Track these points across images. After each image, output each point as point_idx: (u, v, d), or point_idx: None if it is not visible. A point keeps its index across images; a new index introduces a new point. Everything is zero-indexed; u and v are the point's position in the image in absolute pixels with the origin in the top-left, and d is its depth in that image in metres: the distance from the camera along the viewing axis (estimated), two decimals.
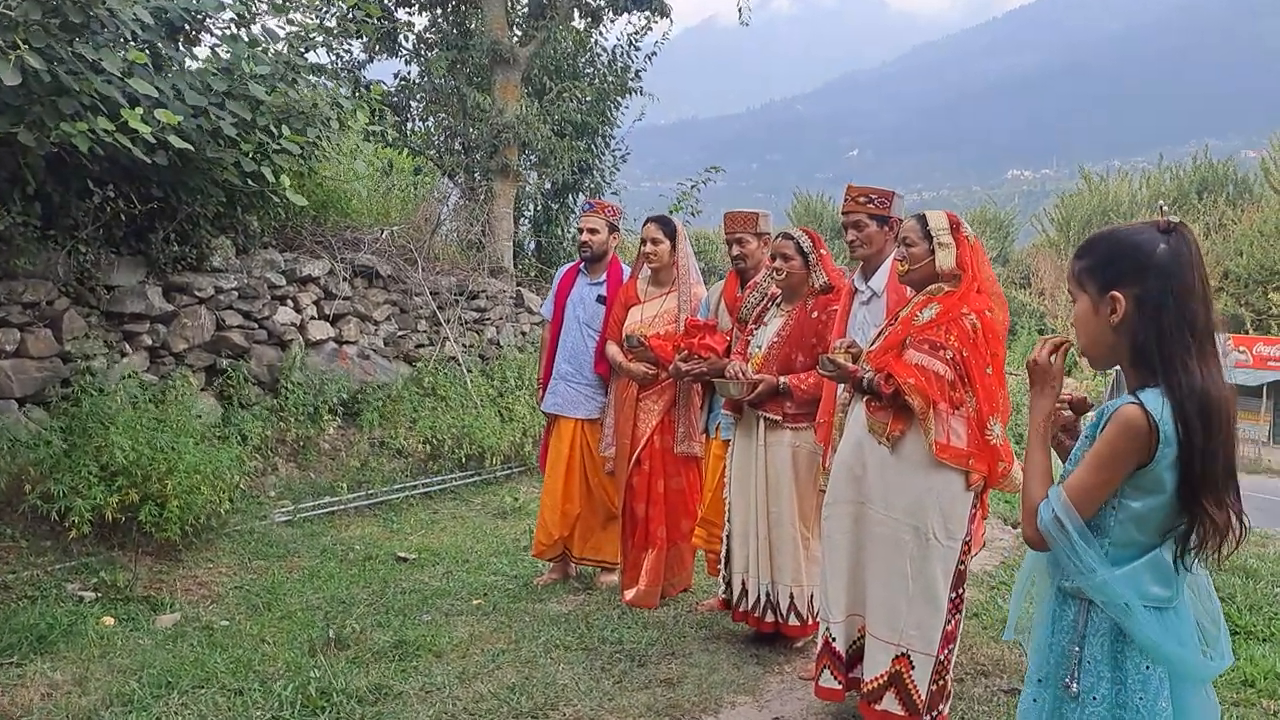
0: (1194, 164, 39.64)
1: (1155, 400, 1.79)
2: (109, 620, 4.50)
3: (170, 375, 6.40)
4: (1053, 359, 1.94)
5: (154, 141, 5.07)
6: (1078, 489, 1.84)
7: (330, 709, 3.56)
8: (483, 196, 11.41)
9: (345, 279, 8.16)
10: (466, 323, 9.78)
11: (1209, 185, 37.48)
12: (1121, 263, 1.84)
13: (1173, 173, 40.47)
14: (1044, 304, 32.45)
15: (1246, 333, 29.69)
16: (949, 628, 3.40)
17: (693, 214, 13.23)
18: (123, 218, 5.99)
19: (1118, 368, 1.95)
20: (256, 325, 7.23)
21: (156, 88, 5.06)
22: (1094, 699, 1.87)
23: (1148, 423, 1.78)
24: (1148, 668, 1.83)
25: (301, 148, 6.28)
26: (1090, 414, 2.00)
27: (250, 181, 6.16)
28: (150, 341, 6.42)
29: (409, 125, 13.00)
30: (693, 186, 12.89)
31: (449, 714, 3.60)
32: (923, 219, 3.46)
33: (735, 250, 4.77)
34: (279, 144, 6.09)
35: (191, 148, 5.36)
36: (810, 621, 4.27)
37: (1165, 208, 1.87)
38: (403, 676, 3.94)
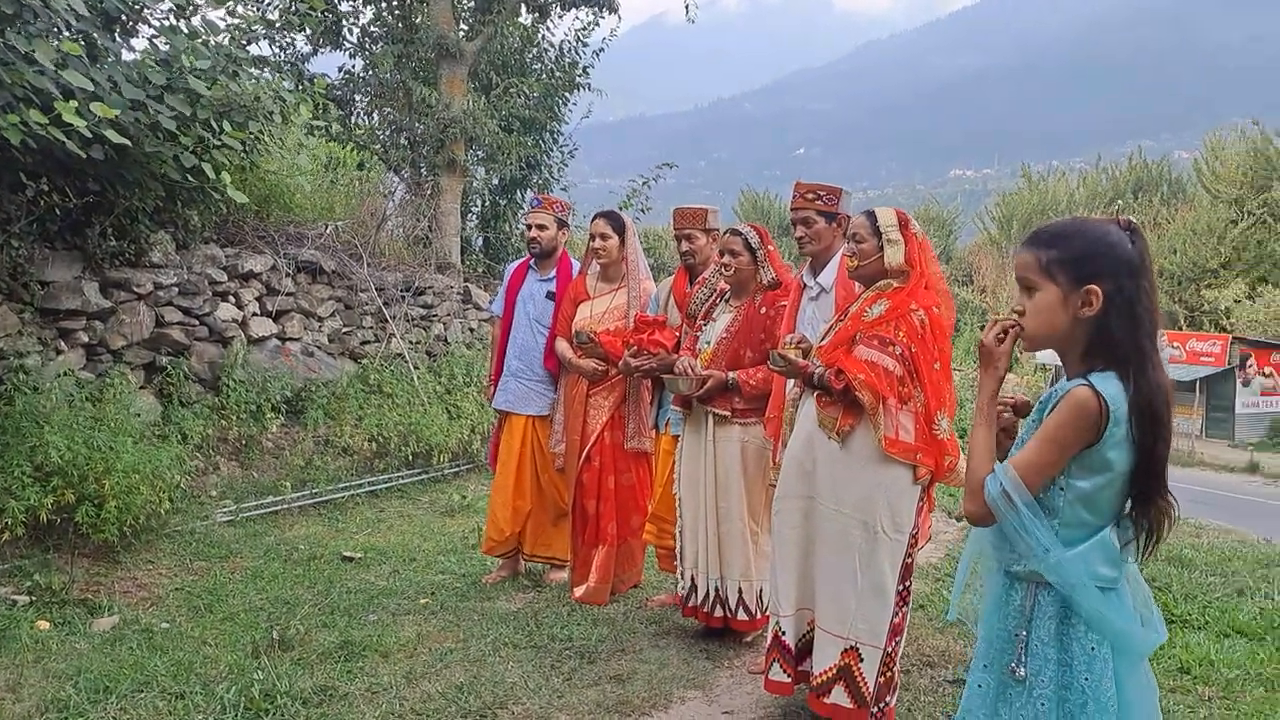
0: (1130, 164, 40.60)
1: (1105, 383, 1.85)
2: (44, 624, 4.38)
3: (108, 373, 6.25)
4: (1001, 341, 1.97)
5: (89, 135, 4.94)
6: (1025, 465, 1.88)
7: (274, 711, 3.50)
8: (429, 192, 11.32)
9: (288, 275, 8.04)
10: (413, 319, 9.68)
11: (1144, 185, 38.42)
12: (1099, 258, 1.89)
13: (1109, 173, 41.39)
14: (986, 300, 33.01)
15: (1180, 329, 30.49)
16: (896, 620, 3.43)
17: (643, 210, 13.26)
18: (57, 212, 5.83)
19: (1057, 364, 2.00)
20: (197, 322, 7.09)
21: (92, 80, 4.93)
22: (1041, 681, 1.90)
23: (1099, 403, 1.83)
24: (1093, 649, 1.87)
25: (243, 143, 6.17)
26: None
27: (190, 177, 6.03)
28: (87, 339, 6.26)
29: (354, 119, 12.85)
30: (643, 183, 12.91)
31: (396, 714, 3.55)
32: (872, 215, 3.49)
33: (684, 246, 4.77)
34: (219, 139, 5.97)
35: (129, 142, 5.23)
36: (759, 616, 4.29)
37: (1120, 206, 1.92)
38: (348, 677, 3.88)
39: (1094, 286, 1.87)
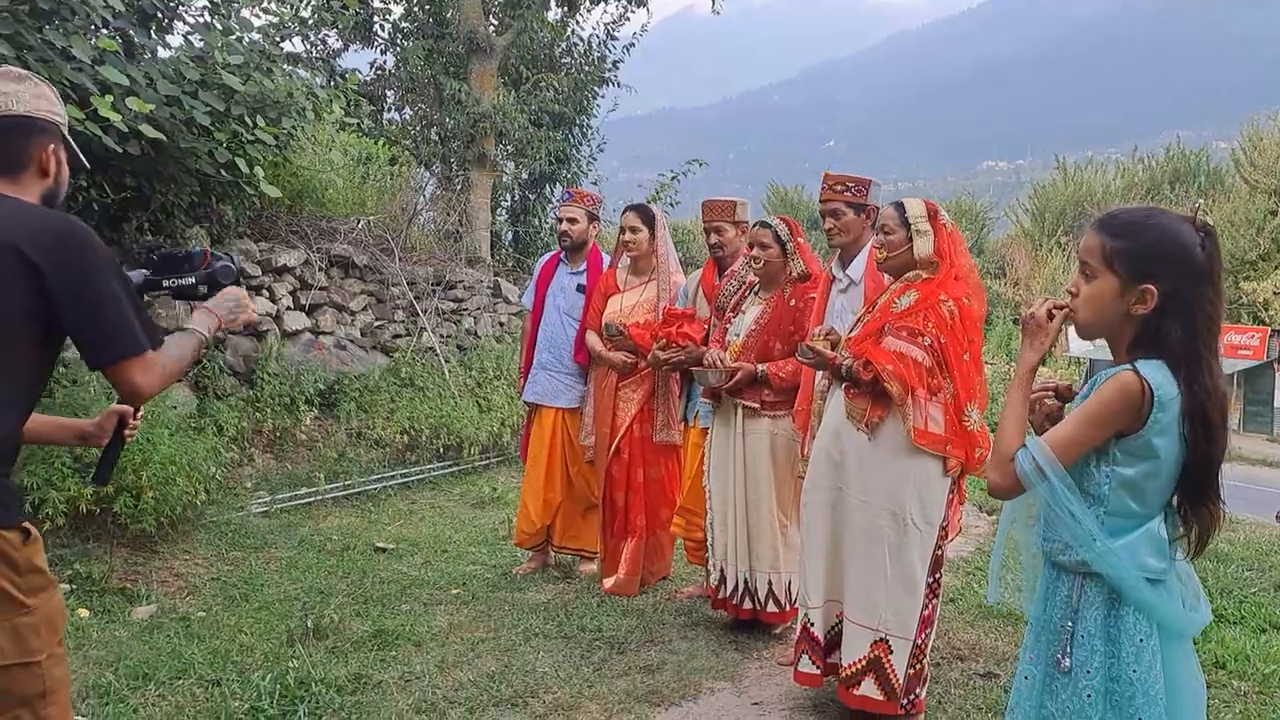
0: (1167, 154, 39.97)
1: (1151, 370, 1.83)
2: (84, 612, 4.46)
3: None
4: (1051, 318, 1.96)
5: (126, 130, 5.02)
6: (1060, 440, 1.86)
7: (309, 699, 3.55)
8: (459, 186, 11.38)
9: (321, 269, 8.12)
10: (444, 313, 9.75)
11: (1181, 176, 37.81)
12: (1164, 258, 1.86)
13: (1145, 163, 40.78)
14: (1019, 294, 32.69)
15: None
16: (926, 612, 3.43)
17: (671, 204, 13.25)
18: (95, 207, 5.92)
19: (1091, 359, 1.98)
20: None
21: (128, 76, 5.01)
22: (1087, 672, 1.89)
23: (1143, 388, 1.81)
24: (1141, 640, 1.86)
25: (276, 138, 6.24)
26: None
27: (224, 172, 6.11)
28: None
29: (385, 115, 12.95)
30: (672, 178, 12.90)
31: (428, 702, 3.59)
32: (901, 206, 3.48)
33: (713, 239, 4.77)
34: (253, 134, 6.05)
35: (165, 137, 5.31)
36: (788, 608, 4.29)
37: (1201, 205, 1.90)
38: (381, 666, 3.93)
39: (1150, 286, 1.84)
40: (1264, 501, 11.96)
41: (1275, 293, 28.85)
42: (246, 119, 5.94)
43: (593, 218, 5.40)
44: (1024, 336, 2.00)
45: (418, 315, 9.18)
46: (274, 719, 3.41)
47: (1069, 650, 1.91)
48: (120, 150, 5.22)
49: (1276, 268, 30.48)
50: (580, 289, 5.32)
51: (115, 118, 4.67)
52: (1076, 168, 42.21)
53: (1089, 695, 1.89)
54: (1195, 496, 1.89)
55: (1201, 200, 2.10)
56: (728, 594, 4.36)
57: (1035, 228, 39.15)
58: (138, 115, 4.96)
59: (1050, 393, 2.08)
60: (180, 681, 3.72)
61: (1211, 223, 1.88)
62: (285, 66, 6.63)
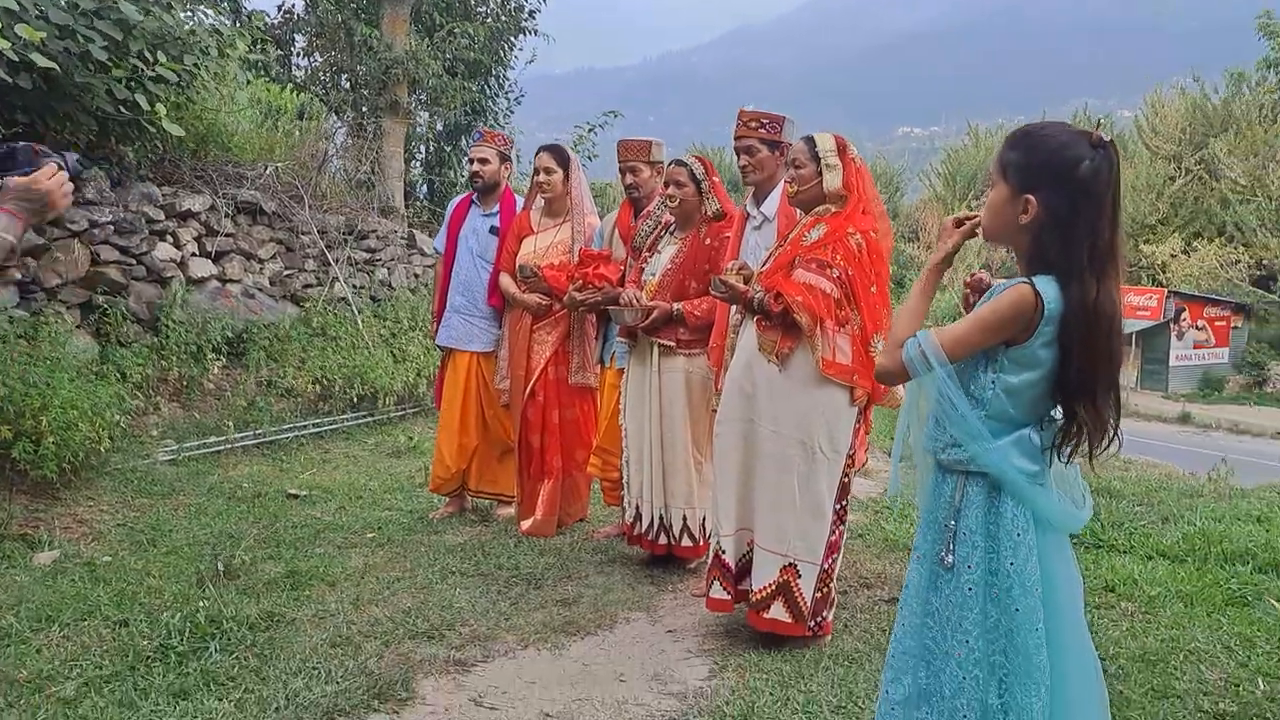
0: (1074, 121, 41.04)
1: (1045, 284, 1.89)
2: None
3: (42, 311, 6.11)
4: (958, 225, 2.07)
5: (16, 60, 4.80)
6: (950, 337, 1.94)
7: (220, 636, 3.50)
8: (371, 134, 11.13)
9: (228, 215, 7.89)
10: (356, 263, 9.58)
11: None
12: (1045, 169, 1.91)
13: None
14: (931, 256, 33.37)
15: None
16: (833, 538, 3.53)
17: (590, 158, 13.18)
18: None
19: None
20: (134, 261, 6.93)
21: (16, 1, 4.78)
22: (968, 567, 1.98)
23: (1036, 302, 1.88)
24: (1019, 535, 1.95)
25: (179, 75, 6.03)
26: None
27: (124, 109, 5.88)
28: (19, 275, 6.10)
29: (293, 60, 12.56)
30: (590, 129, 12.83)
31: (343, 637, 3.58)
32: (811, 141, 3.53)
33: (629, 179, 4.77)
34: (154, 70, 5.83)
35: (58, 68, 5.09)
36: (702, 543, 4.38)
37: (1102, 121, 1.95)
38: (295, 605, 3.90)
39: (1030, 197, 1.90)
40: (1158, 454, 12.53)
41: (1173, 255, 30.00)
42: (146, 54, 5.72)
43: (504, 158, 5.35)
44: (938, 239, 2.10)
45: (329, 265, 9.00)
46: (185, 655, 3.35)
47: (952, 547, 2.00)
48: (10, 81, 4.99)
49: (1174, 231, 31.69)
50: (493, 231, 5.28)
51: (3, 44, 4.46)
52: (987, 133, 43.10)
53: (970, 589, 1.98)
54: (1071, 399, 1.95)
55: (1104, 118, 2.18)
56: (643, 530, 4.43)
57: (947, 191, 40.00)
58: (27, 44, 4.74)
59: (973, 290, 2.15)
60: (85, 623, 3.63)
61: (1108, 138, 1.91)
62: (187, 3, 6.38)
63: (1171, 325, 29.13)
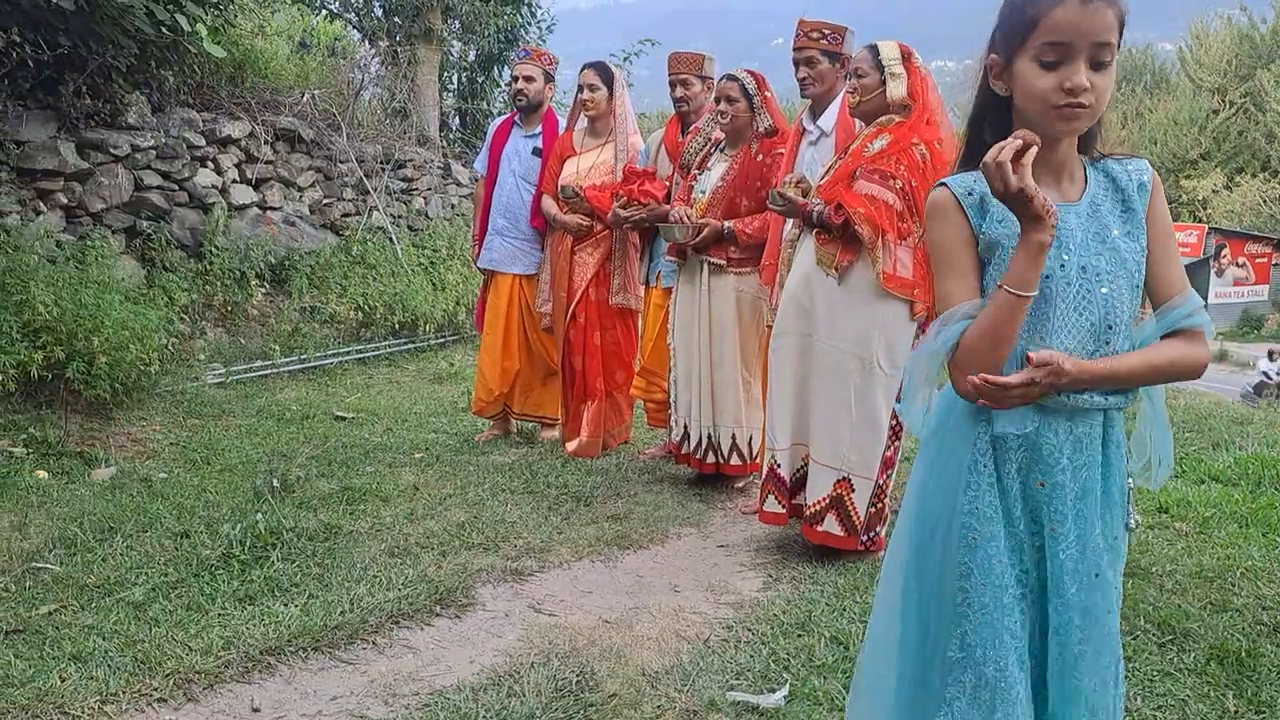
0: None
1: (954, 176, 1.64)
2: (42, 474, 4.41)
3: (89, 235, 6.15)
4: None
5: None
6: (937, 299, 1.64)
7: (281, 545, 3.56)
8: (405, 62, 11.02)
9: (267, 142, 7.87)
10: (394, 193, 9.55)
11: (1127, 74, 37.98)
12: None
13: None
14: None
15: None
16: (888, 453, 3.51)
17: (626, 85, 12.98)
18: (31, 65, 5.64)
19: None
20: (177, 187, 6.96)
21: None
22: None
23: (946, 192, 1.60)
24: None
25: None
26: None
27: (165, 31, 5.84)
28: (66, 200, 6.14)
29: None
30: (625, 58, 12.63)
31: (401, 547, 3.63)
32: (874, 49, 3.44)
33: (678, 92, 4.69)
34: None
35: None
36: (751, 462, 4.38)
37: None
38: (351, 518, 3.96)
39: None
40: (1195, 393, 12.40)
41: (1214, 191, 29.40)
42: None
43: (549, 78, 5.27)
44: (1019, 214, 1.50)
45: (367, 194, 8.98)
46: (248, 564, 3.42)
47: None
48: (52, 3, 4.96)
49: (1216, 166, 31.02)
50: (536, 152, 5.21)
51: None
52: None
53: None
54: None
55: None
56: (691, 449, 4.43)
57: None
58: None
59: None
60: (147, 534, 3.71)
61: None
62: None
63: (1211, 262, 28.63)
